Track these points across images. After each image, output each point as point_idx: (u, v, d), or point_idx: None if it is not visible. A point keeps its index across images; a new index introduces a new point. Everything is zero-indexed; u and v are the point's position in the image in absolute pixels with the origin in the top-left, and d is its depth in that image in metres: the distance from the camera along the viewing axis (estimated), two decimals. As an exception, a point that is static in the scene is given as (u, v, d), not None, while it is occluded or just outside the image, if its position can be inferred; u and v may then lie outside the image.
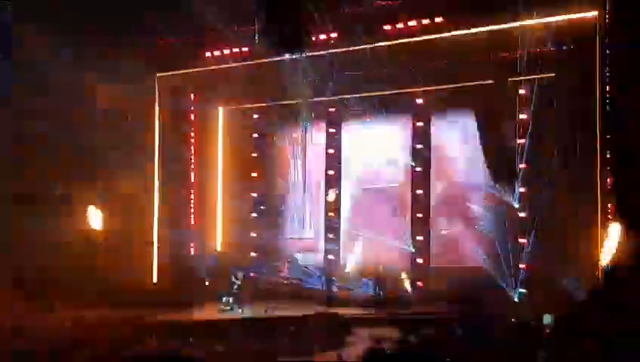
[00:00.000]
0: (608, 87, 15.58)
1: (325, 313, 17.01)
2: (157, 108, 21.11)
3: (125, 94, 19.85)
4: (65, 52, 17.02)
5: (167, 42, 19.14)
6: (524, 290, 17.13)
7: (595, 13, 15.39)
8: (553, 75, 16.97)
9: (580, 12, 15.48)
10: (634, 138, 15.17)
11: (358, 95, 20.05)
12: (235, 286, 18.16)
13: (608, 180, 15.73)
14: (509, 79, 17.53)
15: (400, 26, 16.95)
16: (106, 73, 18.10)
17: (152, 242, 20.88)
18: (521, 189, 17.45)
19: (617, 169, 15.61)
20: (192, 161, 21.93)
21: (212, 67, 19.55)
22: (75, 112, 18.50)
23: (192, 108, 22.00)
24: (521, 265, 17.23)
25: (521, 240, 17.32)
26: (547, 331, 12.22)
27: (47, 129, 17.63)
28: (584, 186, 16.23)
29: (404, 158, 20.30)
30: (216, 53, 19.00)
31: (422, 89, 19.10)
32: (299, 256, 21.57)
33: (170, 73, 20.63)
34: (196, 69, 19.99)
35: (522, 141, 17.44)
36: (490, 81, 17.71)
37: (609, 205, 15.85)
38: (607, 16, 15.32)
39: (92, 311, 16.12)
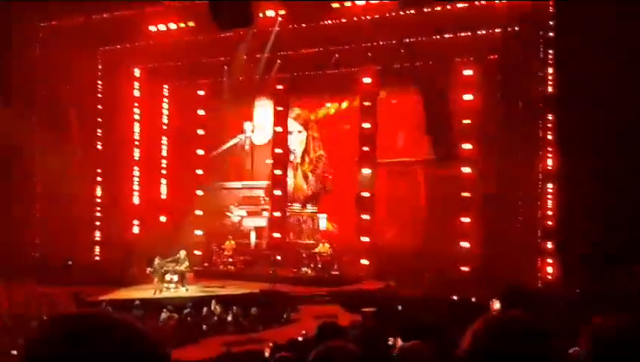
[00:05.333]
0: (551, 68, 15.86)
1: (270, 290, 16.99)
2: (99, 83, 20.58)
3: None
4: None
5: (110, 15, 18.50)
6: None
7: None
8: (497, 56, 17.23)
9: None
10: (576, 120, 15.49)
11: (306, 73, 19.92)
12: (177, 265, 17.85)
13: (550, 161, 16.08)
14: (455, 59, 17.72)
15: (347, 4, 16.81)
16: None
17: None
18: (466, 169, 17.62)
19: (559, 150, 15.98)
20: (137, 138, 21.42)
21: (156, 41, 19.00)
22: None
23: (136, 84, 21.45)
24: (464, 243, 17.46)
25: (464, 219, 17.51)
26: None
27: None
28: (526, 167, 16.58)
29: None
30: (161, 27, 18.45)
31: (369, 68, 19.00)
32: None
33: (112, 47, 20.09)
34: (140, 43, 19.41)
35: (467, 121, 17.63)
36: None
37: (549, 185, 16.21)
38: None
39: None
